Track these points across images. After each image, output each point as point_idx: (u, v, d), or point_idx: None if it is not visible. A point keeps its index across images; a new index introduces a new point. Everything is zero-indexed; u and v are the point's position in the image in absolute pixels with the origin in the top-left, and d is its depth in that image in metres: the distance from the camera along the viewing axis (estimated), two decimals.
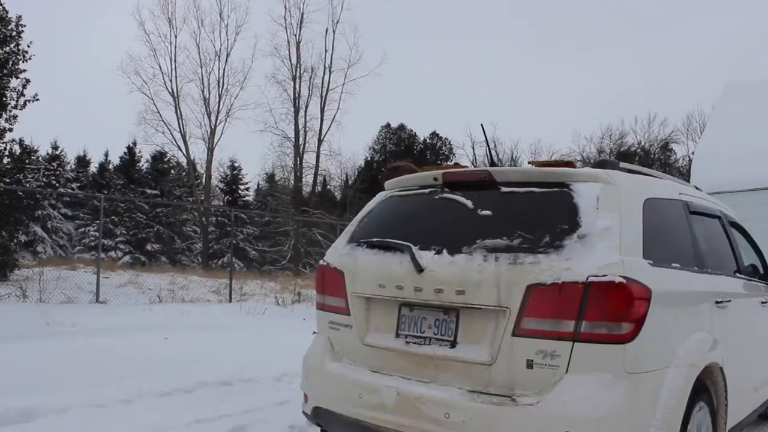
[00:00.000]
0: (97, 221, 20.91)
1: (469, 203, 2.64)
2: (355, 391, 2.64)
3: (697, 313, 2.72)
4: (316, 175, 32.96)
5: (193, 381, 4.77)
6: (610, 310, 2.16)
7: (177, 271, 18.82)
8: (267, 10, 42.84)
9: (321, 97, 32.01)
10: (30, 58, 12.70)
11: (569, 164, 2.81)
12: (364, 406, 2.59)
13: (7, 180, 13.17)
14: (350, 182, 39.27)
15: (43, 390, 4.19)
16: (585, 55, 58.02)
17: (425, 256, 2.52)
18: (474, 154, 39.58)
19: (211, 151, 32.18)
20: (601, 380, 2.14)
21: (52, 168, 29.92)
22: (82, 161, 33.80)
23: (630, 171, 2.80)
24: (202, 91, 31.84)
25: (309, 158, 32.23)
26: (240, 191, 36.90)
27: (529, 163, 3.32)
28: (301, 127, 31.59)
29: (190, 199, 32.48)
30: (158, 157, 32.51)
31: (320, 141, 32.01)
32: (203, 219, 31.53)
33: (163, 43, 36.80)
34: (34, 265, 14.87)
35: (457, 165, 3.24)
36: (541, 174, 2.62)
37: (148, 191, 30.27)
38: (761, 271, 4.08)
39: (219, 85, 32.07)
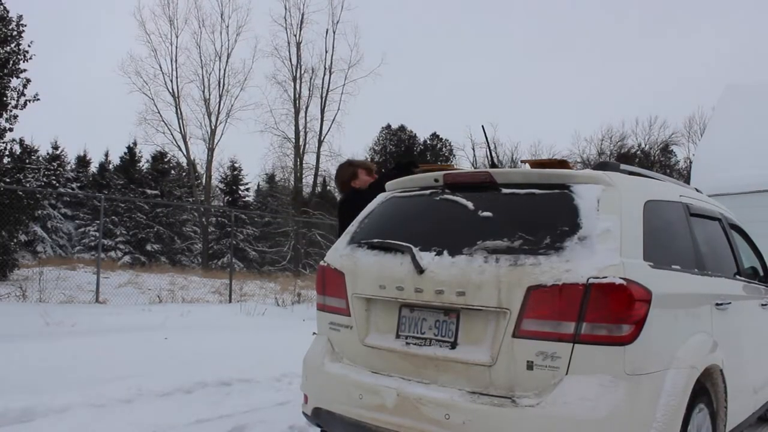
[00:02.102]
0: (97, 221, 20.94)
1: (469, 205, 2.64)
2: (355, 392, 2.64)
3: (698, 315, 2.72)
4: (316, 175, 32.97)
5: (193, 381, 4.77)
6: (610, 312, 2.16)
7: (177, 272, 18.82)
8: (267, 10, 42.82)
9: (321, 97, 32.02)
10: (30, 58, 12.74)
11: (563, 163, 2.83)
12: (365, 406, 2.59)
13: (7, 180, 13.17)
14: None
15: (43, 390, 4.19)
16: (586, 56, 58.08)
17: (426, 257, 2.53)
18: (474, 155, 39.60)
19: (211, 151, 32.20)
20: (601, 382, 2.14)
21: (52, 168, 29.94)
22: (82, 161, 33.81)
23: (630, 173, 2.80)
24: (203, 91, 31.86)
25: (309, 159, 32.26)
26: (240, 192, 36.92)
27: (522, 162, 3.36)
28: (301, 127, 31.61)
29: (190, 199, 32.48)
30: (158, 157, 32.52)
31: (320, 142, 32.03)
32: (203, 219, 31.52)
33: (164, 43, 36.98)
34: (34, 265, 14.89)
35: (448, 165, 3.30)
36: (542, 176, 2.62)
37: (148, 191, 30.28)
38: (761, 273, 4.08)
39: (219, 86, 32.09)
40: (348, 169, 4.00)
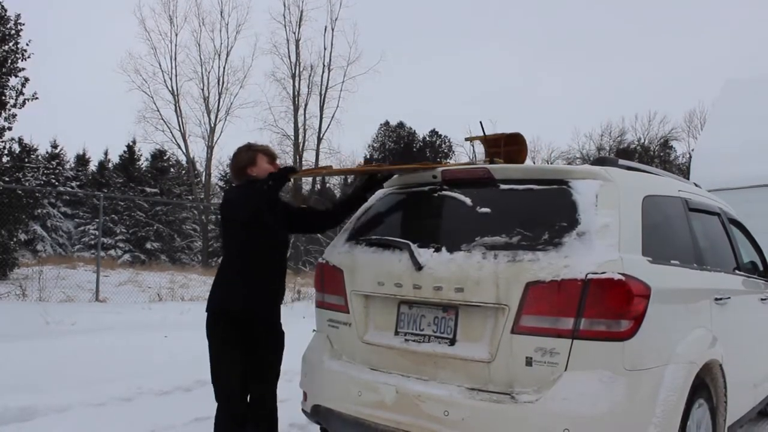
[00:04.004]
0: (97, 220, 20.91)
1: (467, 201, 2.63)
2: (354, 389, 2.64)
3: (697, 310, 2.72)
4: None
5: (193, 379, 4.77)
6: (609, 308, 2.16)
7: (177, 270, 18.81)
8: (267, 8, 42.69)
9: (320, 95, 31.97)
10: (29, 57, 12.69)
11: (513, 137, 2.88)
12: (364, 404, 2.59)
13: (7, 179, 13.15)
14: (349, 181, 39.28)
15: (43, 389, 4.20)
16: (585, 52, 57.96)
17: (424, 254, 2.52)
18: (473, 151, 39.57)
19: (210, 149, 32.17)
20: (600, 378, 2.14)
21: (51, 166, 29.93)
22: (82, 160, 33.76)
23: (629, 168, 2.79)
24: (202, 89, 31.79)
25: (308, 156, 32.22)
26: None
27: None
28: (300, 125, 31.59)
29: (190, 197, 32.47)
30: (158, 155, 32.49)
31: (319, 139, 32.03)
32: (203, 217, 31.52)
33: (164, 41, 36.85)
34: (34, 264, 14.85)
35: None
36: (540, 171, 2.62)
37: (148, 189, 30.25)
38: (761, 267, 4.08)
39: (219, 84, 32.02)
40: (246, 154, 3.19)
